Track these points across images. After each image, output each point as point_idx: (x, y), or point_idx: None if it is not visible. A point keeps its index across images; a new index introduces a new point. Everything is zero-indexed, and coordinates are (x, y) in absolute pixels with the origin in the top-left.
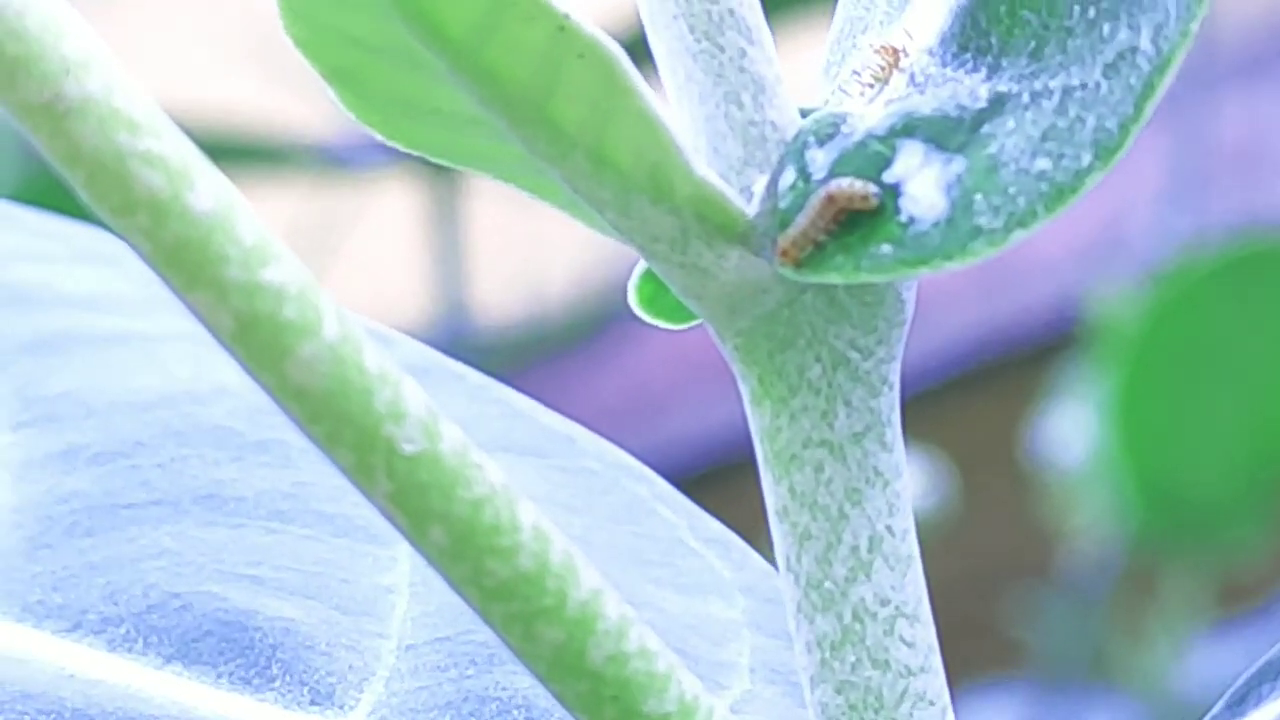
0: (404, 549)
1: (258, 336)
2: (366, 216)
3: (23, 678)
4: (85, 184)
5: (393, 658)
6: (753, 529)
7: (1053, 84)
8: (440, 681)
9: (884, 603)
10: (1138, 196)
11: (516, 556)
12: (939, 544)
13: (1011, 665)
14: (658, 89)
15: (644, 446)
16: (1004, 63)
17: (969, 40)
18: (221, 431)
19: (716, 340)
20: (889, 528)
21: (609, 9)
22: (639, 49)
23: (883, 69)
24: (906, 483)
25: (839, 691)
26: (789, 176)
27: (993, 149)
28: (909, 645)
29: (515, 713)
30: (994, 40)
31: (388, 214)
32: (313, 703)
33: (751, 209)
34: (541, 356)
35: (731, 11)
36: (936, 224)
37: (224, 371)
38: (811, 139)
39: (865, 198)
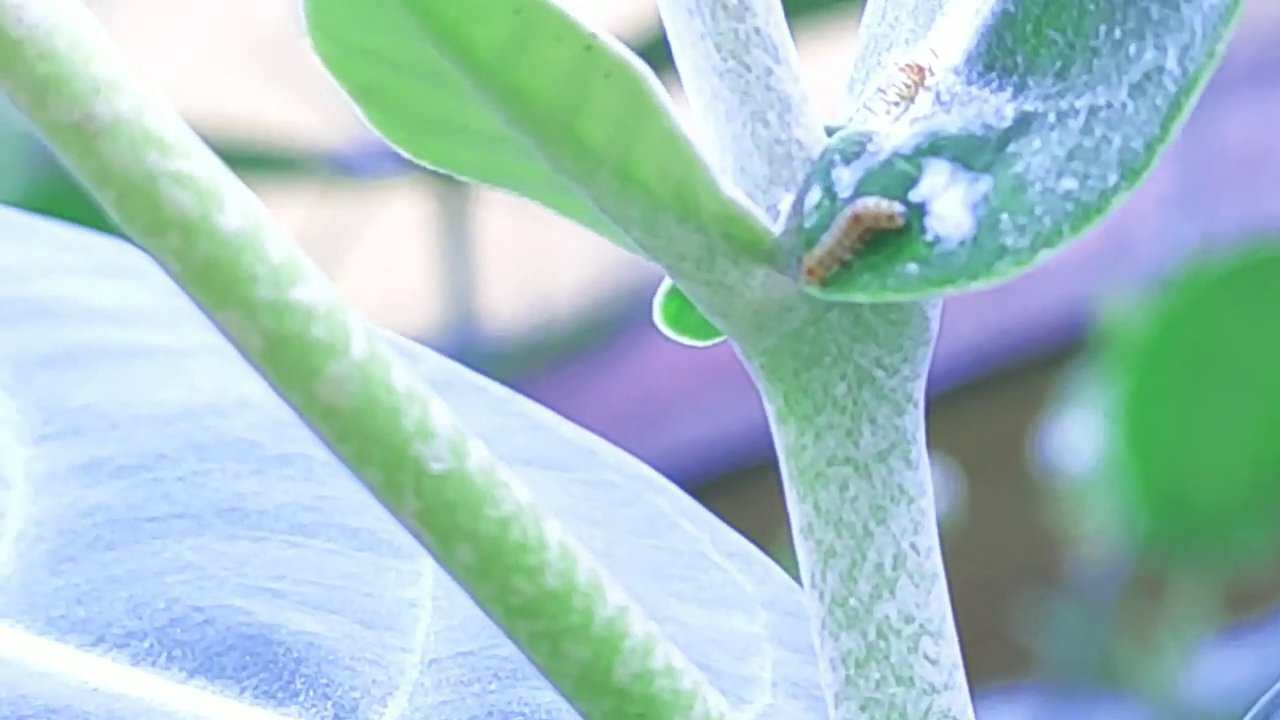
0: (427, 563)
1: (286, 355)
2: (376, 224)
3: (47, 692)
4: (115, 204)
5: (416, 672)
6: (762, 535)
7: (1079, 104)
8: (464, 696)
9: (908, 620)
10: (1146, 203)
11: (543, 574)
12: (947, 550)
13: (1019, 671)
14: (683, 104)
15: (652, 453)
16: (1030, 82)
17: (995, 59)
18: (244, 444)
19: (742, 358)
20: (913, 545)
21: (628, 16)
22: (660, 56)
23: (908, 87)
24: (930, 500)
25: (863, 709)
26: (815, 195)
27: (1019, 168)
28: (933, 662)
29: None
30: (1020, 59)
31: (397, 222)
32: (336, 717)
33: (777, 227)
34: (550, 364)
35: (758, 30)
36: (962, 243)
37: (246, 385)
38: (837, 157)
39: (891, 217)
